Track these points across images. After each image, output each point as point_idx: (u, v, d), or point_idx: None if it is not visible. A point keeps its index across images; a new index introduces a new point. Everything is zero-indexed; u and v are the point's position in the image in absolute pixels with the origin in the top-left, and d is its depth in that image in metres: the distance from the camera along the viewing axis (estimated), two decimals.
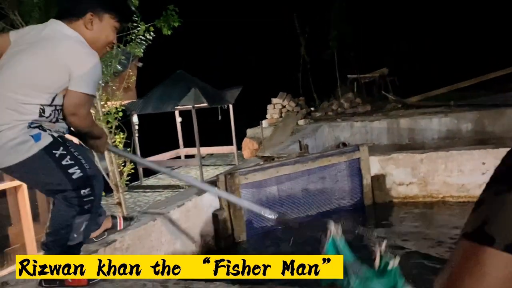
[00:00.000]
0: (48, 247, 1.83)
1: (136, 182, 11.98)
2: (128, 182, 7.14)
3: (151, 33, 6.47)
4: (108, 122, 6.24)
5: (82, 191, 1.77)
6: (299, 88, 13.36)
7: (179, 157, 13.87)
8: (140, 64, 8.49)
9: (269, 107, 11.14)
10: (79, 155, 1.79)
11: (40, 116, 1.74)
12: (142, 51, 6.50)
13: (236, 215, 3.86)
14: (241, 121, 12.24)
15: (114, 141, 6.36)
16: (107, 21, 1.91)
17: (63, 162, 1.74)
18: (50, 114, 1.76)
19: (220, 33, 22.04)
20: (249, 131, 10.38)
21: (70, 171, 1.74)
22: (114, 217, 2.28)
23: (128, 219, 2.39)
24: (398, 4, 16.07)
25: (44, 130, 1.74)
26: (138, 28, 6.36)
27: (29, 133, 1.69)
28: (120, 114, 6.42)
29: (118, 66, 6.72)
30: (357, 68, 13.88)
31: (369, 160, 4.72)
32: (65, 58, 1.74)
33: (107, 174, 6.45)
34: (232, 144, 13.16)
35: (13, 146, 1.68)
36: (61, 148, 1.75)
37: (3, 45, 1.82)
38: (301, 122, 9.32)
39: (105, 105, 6.27)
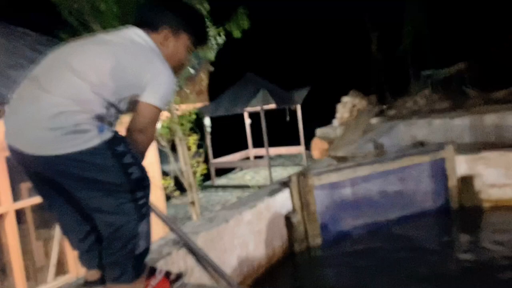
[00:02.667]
0: (115, 263, 1.69)
1: (208, 182, 12.26)
2: (201, 182, 7.25)
3: (222, 37, 6.51)
4: (182, 124, 6.39)
5: (138, 193, 1.64)
6: (370, 85, 12.86)
7: (248, 158, 14.00)
8: (211, 68, 8.61)
9: (339, 106, 10.81)
10: (135, 153, 1.67)
11: (105, 113, 1.62)
12: (214, 55, 6.57)
13: (310, 218, 3.71)
14: (309, 121, 12.05)
15: (187, 142, 6.49)
16: (183, 40, 1.81)
17: (124, 160, 1.59)
18: (111, 116, 1.65)
19: (288, 33, 21.95)
20: (319, 131, 10.16)
21: (130, 170, 1.60)
22: (152, 271, 1.92)
23: (175, 279, 1.98)
24: None
25: (106, 124, 1.62)
26: (210, 33, 6.43)
27: (94, 124, 1.55)
28: (194, 116, 6.55)
29: (191, 70, 6.84)
30: (433, 63, 13.08)
31: (455, 159, 4.34)
32: (149, 70, 1.65)
33: (181, 174, 6.61)
34: (300, 145, 13.01)
35: (73, 131, 1.50)
36: (122, 144, 1.61)
37: None
38: (373, 120, 8.91)
39: (178, 108, 6.41)
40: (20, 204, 5.76)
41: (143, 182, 1.66)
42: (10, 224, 5.51)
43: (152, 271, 1.93)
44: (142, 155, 1.75)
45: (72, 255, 6.39)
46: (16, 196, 5.81)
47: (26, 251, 5.92)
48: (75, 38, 1.91)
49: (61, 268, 6.26)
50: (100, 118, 1.58)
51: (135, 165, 1.63)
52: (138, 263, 1.73)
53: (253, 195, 3.87)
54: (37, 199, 6.03)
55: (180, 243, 2.66)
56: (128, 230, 1.63)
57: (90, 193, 1.60)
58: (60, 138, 1.49)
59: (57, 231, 6.26)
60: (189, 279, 2.53)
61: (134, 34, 1.75)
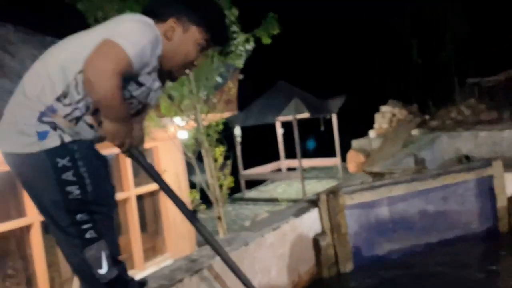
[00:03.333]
0: None
1: (238, 194, 12.03)
2: (229, 195, 7.02)
3: (251, 44, 6.30)
4: (208, 135, 6.20)
5: (79, 216, 1.46)
6: (410, 94, 12.27)
7: (280, 170, 13.63)
8: (240, 76, 8.42)
9: (377, 116, 10.30)
10: (85, 171, 1.47)
11: (58, 100, 1.42)
12: (243, 62, 6.37)
13: (340, 241, 3.37)
14: (345, 132, 11.60)
15: (213, 154, 6.29)
16: (192, 34, 1.59)
17: (63, 176, 1.42)
18: (71, 104, 1.43)
19: (322, 38, 21.57)
20: (355, 143, 9.69)
21: (68, 189, 1.43)
22: None
23: None
24: None
25: (55, 129, 1.44)
26: (238, 39, 6.24)
27: (35, 128, 1.42)
28: (221, 127, 6.35)
29: (218, 78, 6.67)
30: (478, 71, 12.35)
31: (505, 177, 3.89)
32: (115, 25, 1.49)
33: (207, 187, 6.41)
34: (335, 156, 12.54)
35: (17, 131, 1.43)
36: (67, 158, 1.43)
37: None
38: (414, 132, 8.41)
39: (205, 118, 6.25)
40: None
41: (83, 206, 1.47)
42: (36, 235, 5.47)
43: None
44: (109, 110, 1.44)
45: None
46: None
47: (52, 263, 5.87)
48: None
49: None
50: (48, 120, 1.43)
51: (76, 185, 1.45)
52: None
53: (277, 214, 3.58)
54: None
55: (196, 266, 2.44)
56: (74, 256, 1.51)
57: (38, 207, 1.51)
58: (8, 134, 1.45)
59: None
60: None
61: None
